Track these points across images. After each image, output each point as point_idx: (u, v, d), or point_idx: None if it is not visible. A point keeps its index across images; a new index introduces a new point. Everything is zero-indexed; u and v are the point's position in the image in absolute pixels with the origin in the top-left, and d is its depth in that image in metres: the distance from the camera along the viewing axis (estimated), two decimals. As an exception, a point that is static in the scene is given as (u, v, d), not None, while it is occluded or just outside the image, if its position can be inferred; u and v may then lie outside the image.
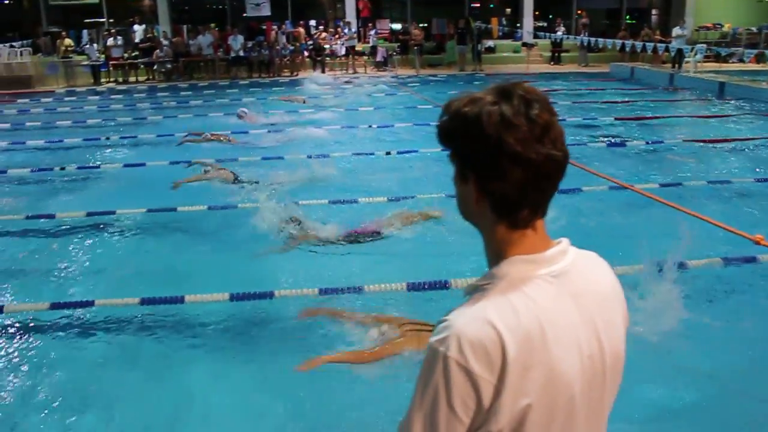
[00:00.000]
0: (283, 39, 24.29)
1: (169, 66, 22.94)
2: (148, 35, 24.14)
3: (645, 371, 3.66)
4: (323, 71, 23.42)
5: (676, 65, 20.24)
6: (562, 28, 25.36)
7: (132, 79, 22.79)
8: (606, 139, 10.76)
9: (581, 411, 1.25)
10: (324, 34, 25.30)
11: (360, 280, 4.95)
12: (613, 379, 1.31)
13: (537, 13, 27.04)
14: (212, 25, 25.43)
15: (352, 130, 11.91)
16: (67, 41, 22.87)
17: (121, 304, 4.79)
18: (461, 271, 5.06)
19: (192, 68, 23.31)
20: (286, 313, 4.70)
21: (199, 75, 23.24)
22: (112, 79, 22.70)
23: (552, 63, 25.06)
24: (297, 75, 23.02)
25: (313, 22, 27.40)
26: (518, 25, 27.56)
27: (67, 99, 18.80)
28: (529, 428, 1.19)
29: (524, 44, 25.30)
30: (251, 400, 3.81)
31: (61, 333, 4.62)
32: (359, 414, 3.57)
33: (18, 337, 4.60)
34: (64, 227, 6.86)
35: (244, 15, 25.63)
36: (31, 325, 4.73)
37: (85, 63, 22.52)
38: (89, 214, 7.05)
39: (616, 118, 12.52)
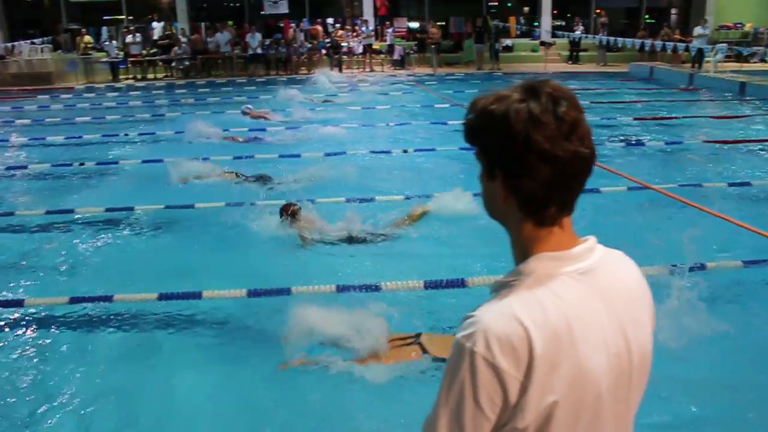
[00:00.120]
0: (301, 37, 24.38)
1: (187, 63, 23.09)
2: (166, 32, 24.37)
3: (661, 377, 3.57)
4: (340, 69, 23.45)
5: (696, 65, 20.03)
6: (581, 27, 25.15)
7: (150, 76, 22.97)
8: (625, 138, 10.67)
9: (608, 409, 1.24)
10: (341, 32, 25.32)
11: (375, 278, 4.94)
12: (639, 378, 1.29)
13: (555, 11, 26.83)
14: (230, 22, 25.58)
15: (369, 128, 11.94)
16: (87, 38, 23.15)
17: (140, 300, 4.84)
18: (474, 269, 5.04)
19: (210, 65, 23.46)
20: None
21: (216, 72, 23.39)
22: (130, 76, 22.88)
23: (570, 62, 24.87)
24: (314, 72, 23.07)
25: (330, 20, 27.43)
26: (536, 23, 27.40)
27: (86, 95, 18.99)
28: (555, 425, 1.18)
29: (542, 43, 25.14)
30: (261, 398, 3.82)
31: (79, 326, 4.67)
32: (365, 417, 3.57)
33: (38, 329, 4.65)
34: (83, 222, 6.93)
35: (262, 12, 25.70)
36: (51, 317, 4.78)
37: (104, 60, 22.77)
38: (108, 210, 7.13)
39: (635, 118, 12.40)
